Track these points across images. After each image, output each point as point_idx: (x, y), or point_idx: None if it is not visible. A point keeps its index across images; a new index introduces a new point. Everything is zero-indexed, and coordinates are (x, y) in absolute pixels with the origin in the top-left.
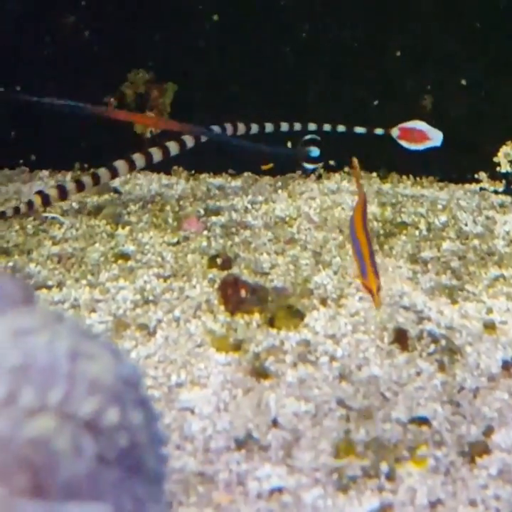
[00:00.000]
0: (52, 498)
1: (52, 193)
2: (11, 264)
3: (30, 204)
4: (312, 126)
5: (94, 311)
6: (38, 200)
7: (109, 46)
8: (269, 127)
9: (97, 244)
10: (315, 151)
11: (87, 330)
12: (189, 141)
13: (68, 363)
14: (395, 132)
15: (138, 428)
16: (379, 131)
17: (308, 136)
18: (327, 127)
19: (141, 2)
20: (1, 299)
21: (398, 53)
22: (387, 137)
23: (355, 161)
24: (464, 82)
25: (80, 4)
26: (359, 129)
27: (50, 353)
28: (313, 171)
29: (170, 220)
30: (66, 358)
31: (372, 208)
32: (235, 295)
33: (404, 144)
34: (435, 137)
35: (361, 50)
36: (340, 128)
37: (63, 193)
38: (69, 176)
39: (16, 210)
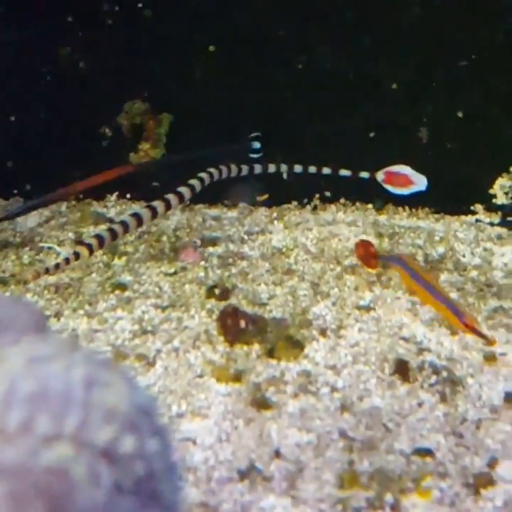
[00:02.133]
0: None
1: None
2: (7, 294)
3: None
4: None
5: (92, 341)
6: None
7: (105, 77)
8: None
9: (93, 275)
10: (256, 145)
11: (101, 358)
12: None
13: (83, 390)
14: (380, 176)
15: (154, 457)
16: (364, 174)
17: (253, 134)
18: (312, 169)
19: (136, 33)
20: (14, 327)
21: (394, 86)
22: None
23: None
24: (460, 114)
25: (76, 35)
26: (344, 172)
27: (65, 380)
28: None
29: (167, 251)
30: (81, 385)
31: (370, 240)
32: (235, 326)
33: (389, 188)
34: (419, 182)
35: (357, 82)
36: (326, 170)
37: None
38: (64, 206)
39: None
